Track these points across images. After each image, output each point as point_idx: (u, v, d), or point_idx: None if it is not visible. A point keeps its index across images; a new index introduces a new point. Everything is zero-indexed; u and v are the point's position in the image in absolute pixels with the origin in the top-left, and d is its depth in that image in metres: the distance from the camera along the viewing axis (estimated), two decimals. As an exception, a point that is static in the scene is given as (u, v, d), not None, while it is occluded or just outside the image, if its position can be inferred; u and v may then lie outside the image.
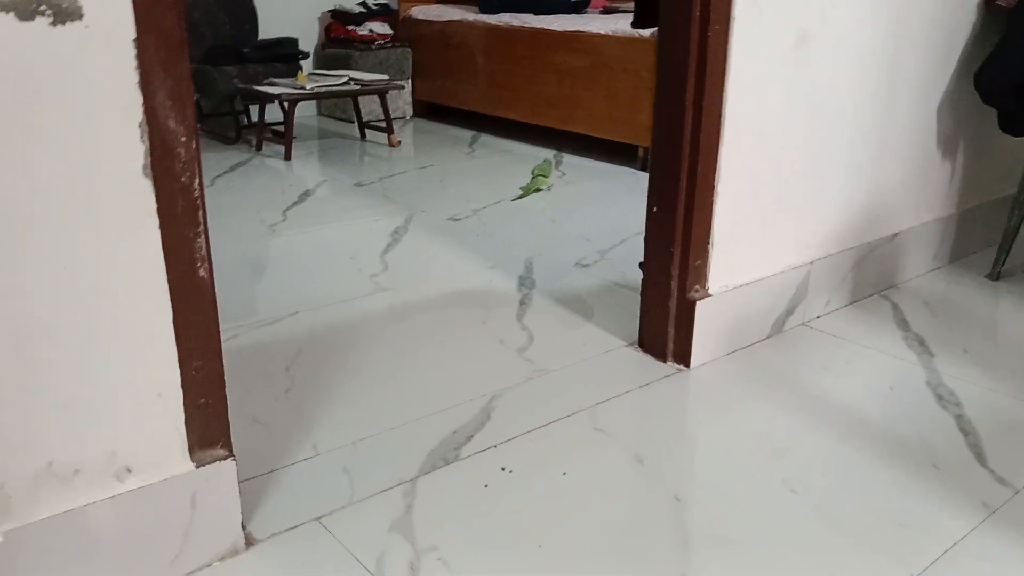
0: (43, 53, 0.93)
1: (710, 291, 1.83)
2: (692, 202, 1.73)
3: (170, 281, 1.09)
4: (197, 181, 1.09)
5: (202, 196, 1.10)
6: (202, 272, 1.12)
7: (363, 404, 1.66)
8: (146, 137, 1.03)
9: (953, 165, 2.42)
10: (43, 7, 0.92)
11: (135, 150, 1.02)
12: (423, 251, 2.61)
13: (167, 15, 1.01)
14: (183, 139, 1.06)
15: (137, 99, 1.01)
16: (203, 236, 1.11)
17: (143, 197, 1.04)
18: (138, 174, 1.03)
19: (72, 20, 0.94)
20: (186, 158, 1.07)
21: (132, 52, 0.99)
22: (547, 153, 4.07)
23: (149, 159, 1.04)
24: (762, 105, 1.80)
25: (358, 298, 2.20)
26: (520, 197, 3.37)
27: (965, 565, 1.25)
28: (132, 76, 1.00)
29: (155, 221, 1.06)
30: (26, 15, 0.92)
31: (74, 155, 0.98)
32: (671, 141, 1.73)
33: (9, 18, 0.91)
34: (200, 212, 1.10)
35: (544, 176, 3.54)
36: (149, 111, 1.02)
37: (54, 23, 0.94)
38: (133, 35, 0.99)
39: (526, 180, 3.53)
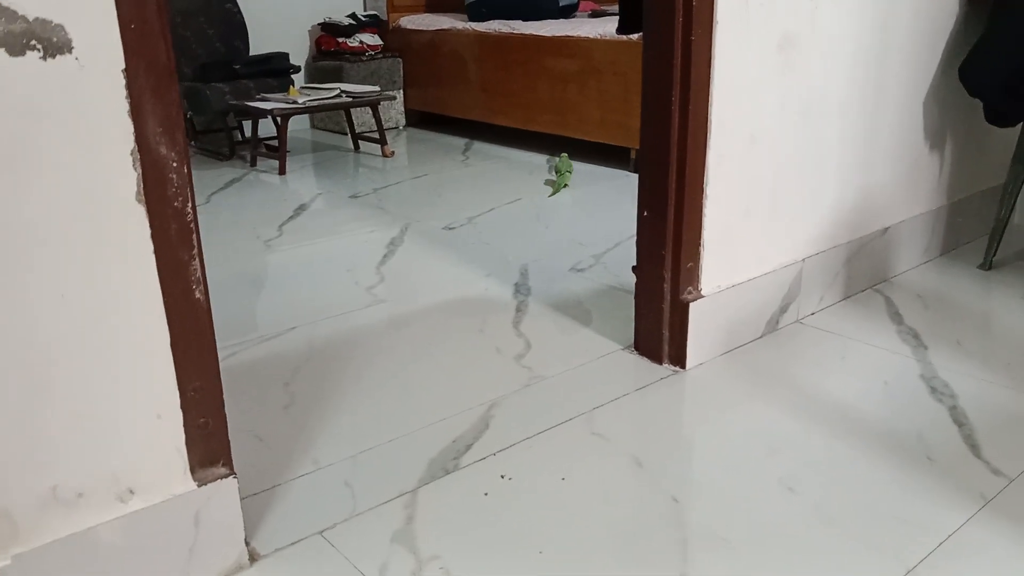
0: (36, 86, 0.95)
1: (703, 292, 1.84)
2: (681, 205, 1.75)
3: (166, 304, 1.11)
4: (190, 205, 1.11)
5: (195, 219, 1.12)
6: (198, 294, 1.14)
7: (362, 416, 1.67)
8: (138, 164, 1.05)
9: (942, 158, 2.44)
10: (33, 41, 0.94)
11: (128, 177, 1.04)
12: (419, 261, 2.63)
13: (155, 44, 1.03)
14: (175, 164, 1.08)
15: (128, 127, 1.03)
16: (198, 259, 1.13)
17: (137, 223, 1.06)
18: (131, 201, 1.05)
19: (62, 53, 0.96)
20: (178, 183, 1.09)
21: (122, 82, 1.01)
22: (540, 159, 4.10)
23: (142, 185, 1.06)
24: (750, 107, 1.81)
25: (355, 311, 2.22)
26: (554, 193, 3.45)
27: (961, 556, 1.26)
28: (123, 105, 1.02)
29: (150, 246, 1.08)
30: (17, 50, 0.93)
31: (70, 184, 1.00)
32: (658, 146, 1.75)
33: (0, 53, 0.92)
34: (194, 235, 1.12)
35: (569, 172, 3.61)
36: (140, 139, 1.04)
37: (44, 57, 0.95)
38: (122, 65, 1.01)
39: (521, 186, 3.56)
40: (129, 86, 1.02)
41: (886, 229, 2.30)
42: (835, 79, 2.00)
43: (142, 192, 1.06)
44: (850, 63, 2.02)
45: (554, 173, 3.62)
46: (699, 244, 1.80)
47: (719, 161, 1.78)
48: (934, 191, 2.46)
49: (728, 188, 1.83)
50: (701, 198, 1.77)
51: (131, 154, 1.04)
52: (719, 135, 1.76)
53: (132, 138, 1.03)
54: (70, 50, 0.97)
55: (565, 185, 3.53)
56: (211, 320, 1.16)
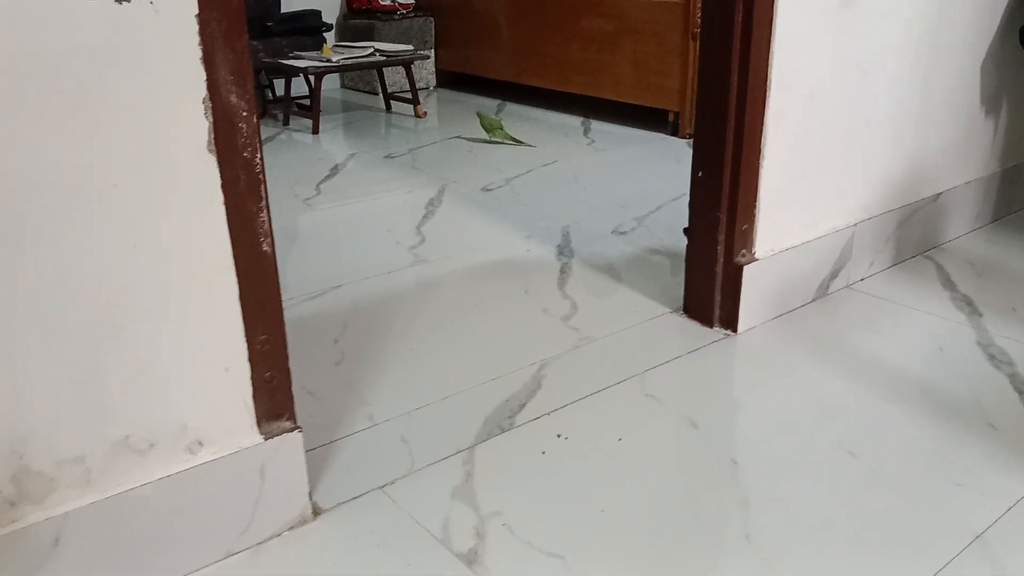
0: (111, 29, 0.93)
1: (756, 255, 1.82)
2: (738, 166, 1.72)
3: (235, 256, 1.10)
4: (258, 156, 1.09)
5: (263, 171, 1.11)
6: (265, 247, 1.13)
7: (414, 374, 1.67)
8: (210, 113, 1.03)
9: (996, 123, 2.38)
10: (108, -16, 0.92)
11: (199, 126, 1.03)
12: (459, 222, 2.61)
13: (227, -11, 1.01)
14: (244, 114, 1.06)
15: (200, 75, 1.01)
16: (266, 211, 1.12)
17: (208, 173, 1.05)
18: (203, 150, 1.04)
19: (137, -4, 0.94)
20: (248, 133, 1.07)
21: (195, 27, 0.99)
22: (574, 120, 4.05)
23: (213, 135, 1.04)
24: (809, 66, 1.77)
25: (399, 270, 2.21)
26: (499, 138, 3.57)
27: (1028, 523, 1.25)
28: (195, 52, 1.00)
29: (220, 196, 1.07)
30: (93, -7, 0.92)
31: (142, 132, 0.98)
32: (716, 105, 1.71)
33: (77, -4, 0.91)
34: (262, 187, 1.11)
35: (501, 127, 3.63)
36: (212, 86, 1.02)
37: (119, 0, 0.94)
38: (196, 10, 0.98)
39: (557, 147, 3.52)
40: (202, 32, 1.00)
41: (938, 195, 2.25)
42: (893, 38, 1.95)
43: (213, 141, 1.04)
44: (908, 22, 1.97)
45: (493, 133, 3.63)
46: (755, 206, 1.77)
47: (777, 121, 1.75)
48: (987, 157, 2.40)
49: (784, 149, 1.79)
50: (759, 159, 1.74)
51: (203, 102, 1.02)
52: (778, 94, 1.72)
53: (204, 86, 1.02)
54: (145, -7, 0.95)
55: (510, 137, 3.60)
56: (277, 273, 1.16)
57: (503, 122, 3.77)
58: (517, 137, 3.63)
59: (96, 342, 1.01)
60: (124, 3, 0.94)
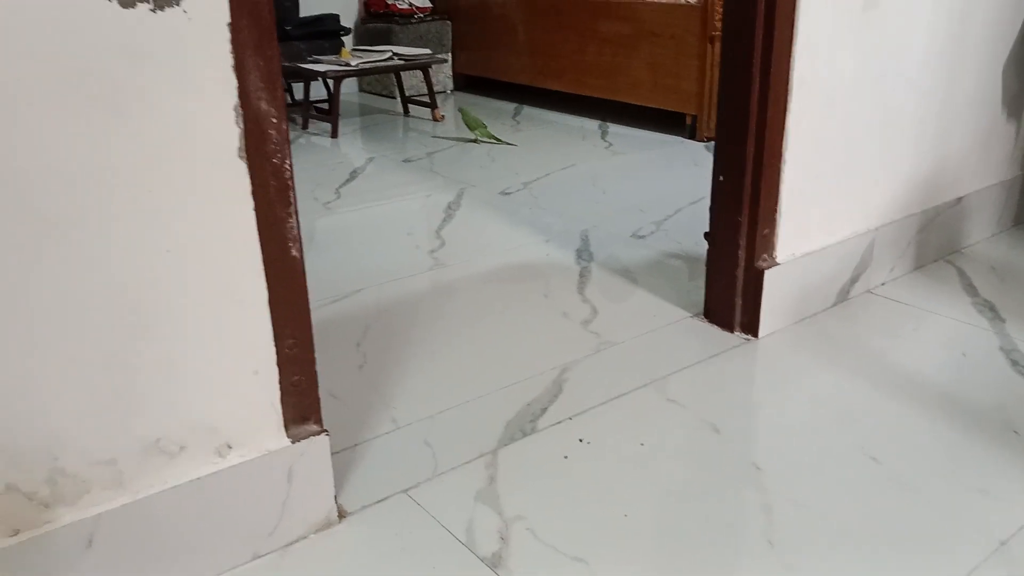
0: (145, 38, 0.95)
1: (778, 260, 1.82)
2: (760, 169, 1.72)
3: (265, 261, 1.11)
4: (288, 162, 1.10)
5: (292, 177, 1.12)
6: (294, 252, 1.14)
7: (435, 378, 1.68)
8: (240, 120, 1.04)
9: (1018, 127, 2.37)
10: (143, -6, 0.94)
11: (230, 132, 1.04)
12: (478, 226, 2.62)
13: (258, -2, 1.02)
14: (274, 120, 1.08)
15: (232, 82, 1.02)
16: (294, 216, 1.13)
17: (239, 179, 1.06)
18: (233, 156, 1.05)
19: (171, 6, 0.96)
20: (278, 139, 1.08)
21: (227, 36, 1.01)
22: (592, 124, 4.06)
23: (244, 141, 1.05)
24: (831, 68, 1.77)
25: (419, 274, 2.22)
26: (482, 136, 3.63)
27: (1054, 530, 1.24)
28: (227, 59, 1.01)
29: (250, 202, 1.08)
30: (128, 2, 0.93)
31: (175, 138, 1.00)
32: (738, 107, 1.71)
33: (113, 5, 0.92)
34: (291, 192, 1.12)
35: (484, 125, 3.68)
36: (243, 94, 1.04)
37: (154, 9, 0.95)
38: (228, 19, 1.00)
39: (574, 151, 3.53)
40: (234, 40, 1.01)
41: (959, 199, 2.24)
42: (915, 41, 1.94)
43: (244, 148, 1.06)
44: (930, 25, 1.96)
45: (476, 131, 3.69)
46: (776, 210, 1.77)
47: (799, 123, 1.74)
48: (1009, 161, 2.39)
49: (806, 153, 1.79)
50: (780, 163, 1.74)
51: (234, 109, 1.04)
52: (800, 97, 1.72)
53: (236, 93, 1.03)
54: (179, 2, 0.96)
55: (492, 137, 3.66)
56: (305, 278, 1.17)
57: (514, 121, 3.80)
58: (499, 136, 3.68)
59: (128, 346, 1.03)
60: (159, 12, 0.96)
